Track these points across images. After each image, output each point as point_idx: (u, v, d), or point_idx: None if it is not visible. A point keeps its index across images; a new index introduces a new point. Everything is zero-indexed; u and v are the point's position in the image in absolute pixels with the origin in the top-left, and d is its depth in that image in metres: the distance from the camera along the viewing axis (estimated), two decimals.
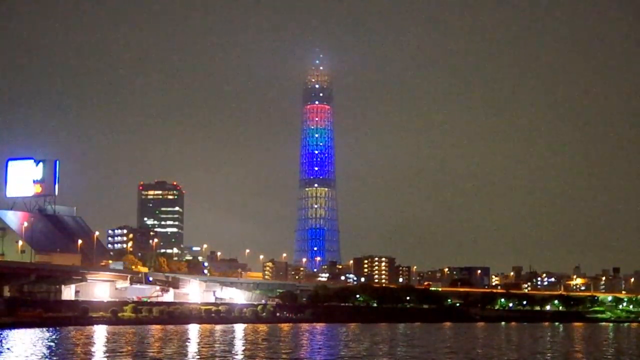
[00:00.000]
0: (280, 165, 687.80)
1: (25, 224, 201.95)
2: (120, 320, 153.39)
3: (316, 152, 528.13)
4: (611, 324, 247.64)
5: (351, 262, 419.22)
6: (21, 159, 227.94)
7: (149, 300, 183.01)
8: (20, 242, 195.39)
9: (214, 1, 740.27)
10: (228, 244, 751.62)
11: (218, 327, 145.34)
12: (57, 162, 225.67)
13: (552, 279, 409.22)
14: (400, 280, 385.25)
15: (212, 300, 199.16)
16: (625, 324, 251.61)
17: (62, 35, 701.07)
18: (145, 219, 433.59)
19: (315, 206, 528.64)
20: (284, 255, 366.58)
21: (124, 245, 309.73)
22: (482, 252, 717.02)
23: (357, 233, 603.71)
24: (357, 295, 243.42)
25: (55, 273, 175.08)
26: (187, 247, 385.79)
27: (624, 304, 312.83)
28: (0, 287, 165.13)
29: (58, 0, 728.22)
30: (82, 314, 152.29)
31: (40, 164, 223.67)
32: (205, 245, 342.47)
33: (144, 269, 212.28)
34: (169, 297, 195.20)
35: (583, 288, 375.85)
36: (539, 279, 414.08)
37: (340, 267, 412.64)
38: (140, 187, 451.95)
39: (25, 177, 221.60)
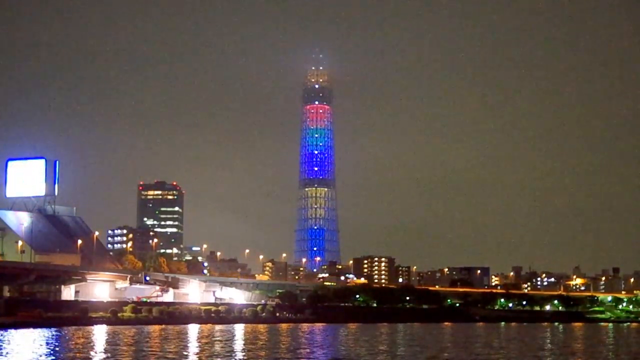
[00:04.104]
0: (280, 165, 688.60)
1: (25, 224, 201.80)
2: (120, 320, 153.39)
3: (316, 152, 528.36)
4: (611, 324, 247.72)
5: (351, 262, 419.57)
6: (21, 159, 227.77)
7: (148, 301, 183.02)
8: (20, 242, 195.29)
9: (213, 1, 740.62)
10: (228, 244, 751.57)
11: (218, 327, 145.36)
12: (57, 162, 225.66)
13: (552, 279, 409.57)
14: (400, 280, 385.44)
15: (212, 300, 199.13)
16: (625, 324, 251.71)
17: (63, 35, 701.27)
18: (145, 219, 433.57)
19: (315, 206, 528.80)
20: (284, 255, 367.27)
21: (124, 246, 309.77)
22: (482, 252, 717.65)
23: (357, 233, 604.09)
24: (357, 295, 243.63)
25: (55, 273, 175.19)
26: (187, 247, 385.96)
27: (624, 304, 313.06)
28: (0, 287, 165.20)
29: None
30: (82, 314, 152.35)
31: (41, 164, 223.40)
32: (205, 246, 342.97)
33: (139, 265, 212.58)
34: (168, 297, 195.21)
35: (583, 288, 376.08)
36: (538, 279, 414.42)
37: (340, 267, 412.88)
38: (140, 187, 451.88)
39: (25, 177, 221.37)
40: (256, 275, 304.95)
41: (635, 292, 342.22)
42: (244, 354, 78.80)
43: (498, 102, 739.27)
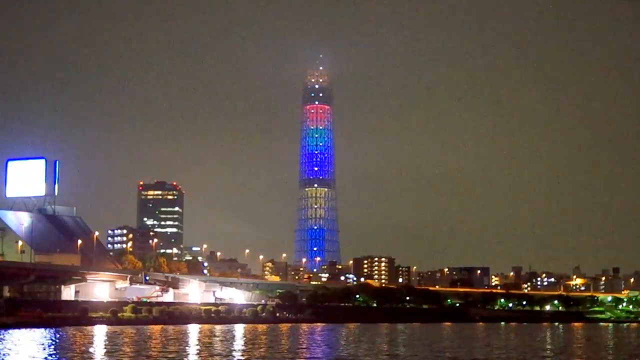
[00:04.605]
0: (280, 165, 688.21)
1: (25, 224, 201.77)
2: (120, 320, 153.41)
3: (316, 152, 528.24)
4: (611, 324, 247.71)
5: (351, 262, 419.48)
6: (21, 159, 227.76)
7: (148, 301, 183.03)
8: (20, 242, 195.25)
9: (214, 1, 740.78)
10: (228, 244, 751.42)
11: (218, 327, 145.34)
12: (57, 162, 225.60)
13: (552, 279, 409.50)
14: (400, 280, 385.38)
15: (212, 300, 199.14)
16: (625, 324, 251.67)
17: (63, 35, 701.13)
18: (145, 219, 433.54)
19: (315, 206, 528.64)
20: (284, 255, 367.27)
21: (124, 246, 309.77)
22: (482, 252, 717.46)
23: (357, 233, 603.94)
24: (357, 295, 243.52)
25: (55, 273, 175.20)
26: (187, 247, 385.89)
27: (624, 304, 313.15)
28: (0, 287, 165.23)
29: None
30: (82, 314, 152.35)
31: (41, 164, 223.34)
32: (205, 246, 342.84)
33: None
34: (168, 297, 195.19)
35: (583, 288, 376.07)
36: (538, 279, 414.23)
37: (340, 267, 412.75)
38: (140, 187, 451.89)
39: (25, 177, 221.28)
40: (267, 276, 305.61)
41: (625, 291, 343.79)
42: (244, 354, 78.78)
43: (498, 102, 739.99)
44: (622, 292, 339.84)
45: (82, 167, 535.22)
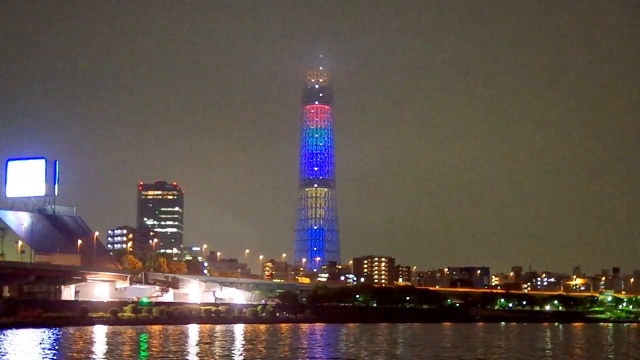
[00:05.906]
0: (280, 165, 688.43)
1: (25, 224, 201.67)
2: (120, 320, 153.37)
3: (316, 152, 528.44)
4: (611, 324, 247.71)
5: (351, 262, 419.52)
6: (21, 159, 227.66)
7: (148, 301, 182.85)
8: (20, 242, 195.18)
9: (213, 1, 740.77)
10: (228, 244, 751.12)
11: (218, 328, 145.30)
12: (57, 162, 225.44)
13: (552, 279, 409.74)
14: (400, 280, 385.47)
15: (212, 300, 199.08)
16: (625, 324, 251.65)
17: (63, 35, 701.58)
18: (145, 219, 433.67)
19: (315, 206, 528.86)
20: (284, 255, 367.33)
21: (124, 246, 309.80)
22: (482, 252, 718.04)
23: (357, 233, 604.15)
24: (357, 295, 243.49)
25: (55, 273, 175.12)
26: (187, 247, 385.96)
27: (624, 304, 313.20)
28: (0, 287, 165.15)
29: None
30: (81, 314, 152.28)
31: (41, 164, 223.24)
32: (205, 246, 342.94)
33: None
34: (168, 297, 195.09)
35: (583, 288, 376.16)
36: (538, 279, 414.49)
37: (340, 267, 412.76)
38: (140, 188, 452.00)
39: (25, 177, 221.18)
40: (298, 278, 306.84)
41: (602, 290, 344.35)
42: (244, 354, 78.75)
43: (498, 102, 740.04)
44: (600, 291, 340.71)
45: (82, 167, 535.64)
